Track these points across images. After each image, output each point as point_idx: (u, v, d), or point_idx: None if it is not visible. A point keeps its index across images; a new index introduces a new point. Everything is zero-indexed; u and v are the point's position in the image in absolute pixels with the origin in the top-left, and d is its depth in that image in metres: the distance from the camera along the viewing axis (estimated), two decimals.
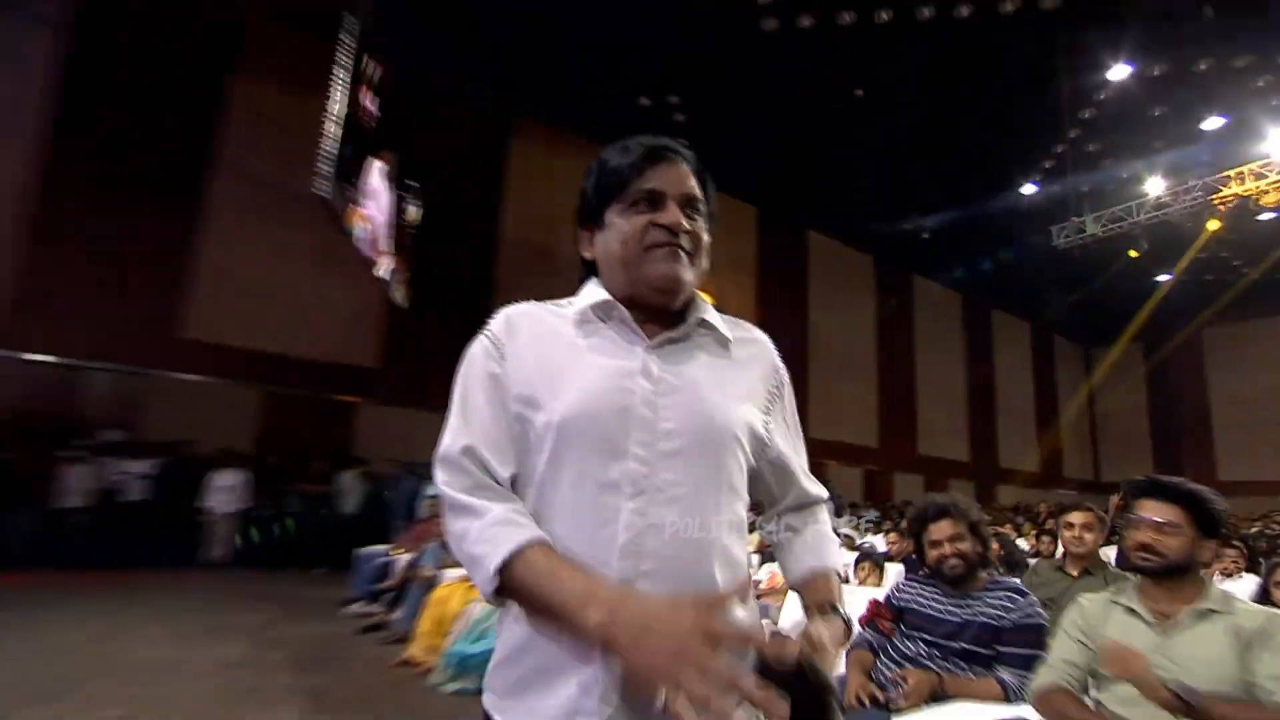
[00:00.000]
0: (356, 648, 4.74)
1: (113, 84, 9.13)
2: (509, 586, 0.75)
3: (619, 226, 0.88)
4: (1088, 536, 2.64)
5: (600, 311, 0.89)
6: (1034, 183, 15.14)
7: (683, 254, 0.87)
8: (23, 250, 8.55)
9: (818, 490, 1.02)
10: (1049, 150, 14.06)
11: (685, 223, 0.88)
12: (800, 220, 17.16)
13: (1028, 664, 1.76)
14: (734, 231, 15.73)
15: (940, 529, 2.05)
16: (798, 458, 1.00)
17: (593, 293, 0.91)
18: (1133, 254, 13.98)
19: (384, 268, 8.89)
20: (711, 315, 0.93)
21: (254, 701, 3.45)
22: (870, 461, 18.13)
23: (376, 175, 8.46)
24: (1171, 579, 1.54)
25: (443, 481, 0.82)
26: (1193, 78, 11.86)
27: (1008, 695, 1.76)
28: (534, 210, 12.57)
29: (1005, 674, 1.79)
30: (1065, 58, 11.63)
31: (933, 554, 2.04)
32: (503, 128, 12.83)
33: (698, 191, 0.91)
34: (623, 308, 0.88)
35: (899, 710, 1.74)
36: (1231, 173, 12.40)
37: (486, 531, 0.76)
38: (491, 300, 8.44)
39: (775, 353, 1.00)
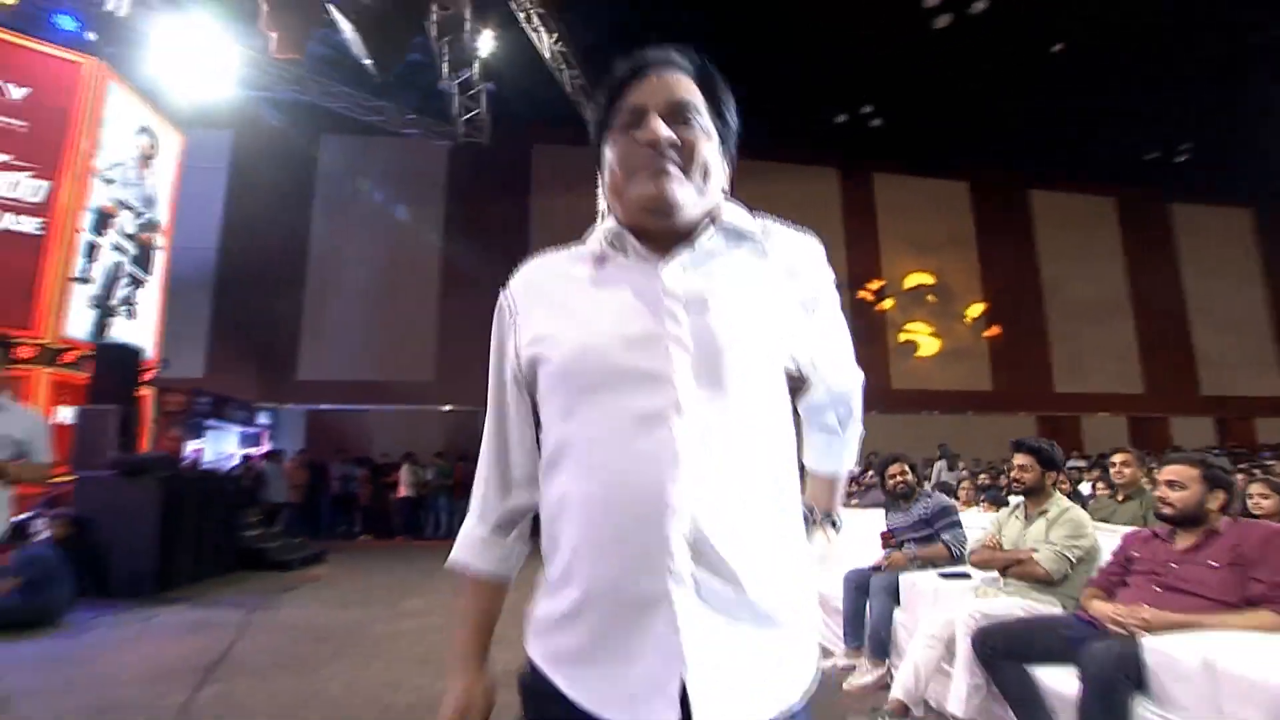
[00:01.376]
0: None
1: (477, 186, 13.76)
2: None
3: (607, 154, 0.81)
4: (1126, 471, 4.25)
5: (611, 240, 0.81)
6: None
7: (671, 167, 0.77)
8: (434, 333, 13.56)
9: (844, 386, 0.93)
10: None
11: (668, 134, 0.77)
12: (1018, 181, 17.22)
13: (952, 530, 3.59)
14: (948, 210, 16.55)
15: (893, 469, 3.92)
16: (833, 355, 0.90)
17: (602, 226, 0.84)
18: None
19: None
20: (733, 218, 0.83)
21: None
22: (1137, 408, 17.38)
23: None
24: (1032, 496, 2.98)
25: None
26: None
27: (950, 552, 3.45)
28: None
29: (945, 536, 3.60)
30: None
31: (889, 484, 3.97)
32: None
33: (690, 96, 0.80)
34: (630, 234, 0.80)
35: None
36: None
37: (462, 535, 0.90)
38: None
39: (818, 251, 0.88)
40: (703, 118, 0.81)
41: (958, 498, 6.21)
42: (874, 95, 14.48)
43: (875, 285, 15.95)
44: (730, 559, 0.69)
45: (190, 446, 10.85)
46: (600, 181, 0.84)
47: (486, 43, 9.29)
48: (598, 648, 0.71)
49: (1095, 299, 17.26)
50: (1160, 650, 1.93)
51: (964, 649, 2.38)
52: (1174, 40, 12.70)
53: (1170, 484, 2.26)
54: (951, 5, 12.18)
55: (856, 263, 15.73)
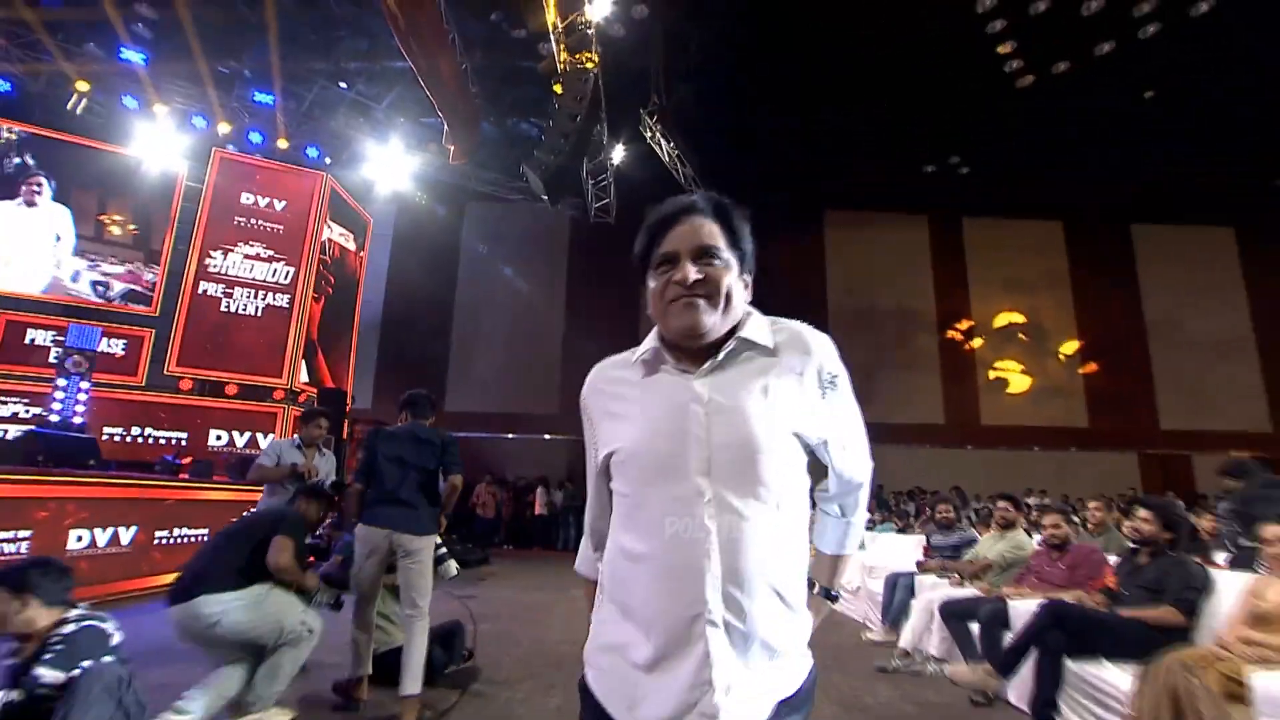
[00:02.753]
0: None
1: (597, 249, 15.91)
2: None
3: (650, 287, 1.05)
4: (1097, 515, 5.52)
5: (653, 356, 1.05)
6: None
7: (700, 301, 0.99)
8: (558, 371, 15.70)
9: (853, 474, 1.11)
10: None
11: (696, 273, 0.99)
12: (1117, 217, 17.36)
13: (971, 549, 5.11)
14: (1041, 251, 16.97)
15: (941, 507, 5.63)
16: (847, 447, 1.08)
17: (648, 341, 1.07)
18: None
19: None
20: (753, 331, 1.02)
21: None
22: (1264, 447, 16.73)
23: None
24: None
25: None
26: None
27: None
28: (854, 276, 16.33)
29: (966, 555, 5.16)
30: None
31: (937, 516, 5.49)
32: (818, 216, 16.94)
33: (713, 240, 1.02)
34: (666, 351, 1.04)
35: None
36: None
37: (581, 553, 1.24)
38: None
39: (825, 347, 1.04)
40: (723, 253, 1.02)
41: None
42: (960, 146, 15.38)
43: (965, 325, 16.63)
44: (749, 610, 0.90)
45: None
46: (645, 303, 1.08)
47: (618, 153, 11.45)
48: (650, 669, 0.91)
49: (1209, 335, 16.92)
50: (1016, 608, 3.60)
51: (938, 616, 4.08)
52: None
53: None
54: (1034, 67, 13.02)
55: (945, 305, 16.54)
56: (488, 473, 14.44)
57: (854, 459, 1.10)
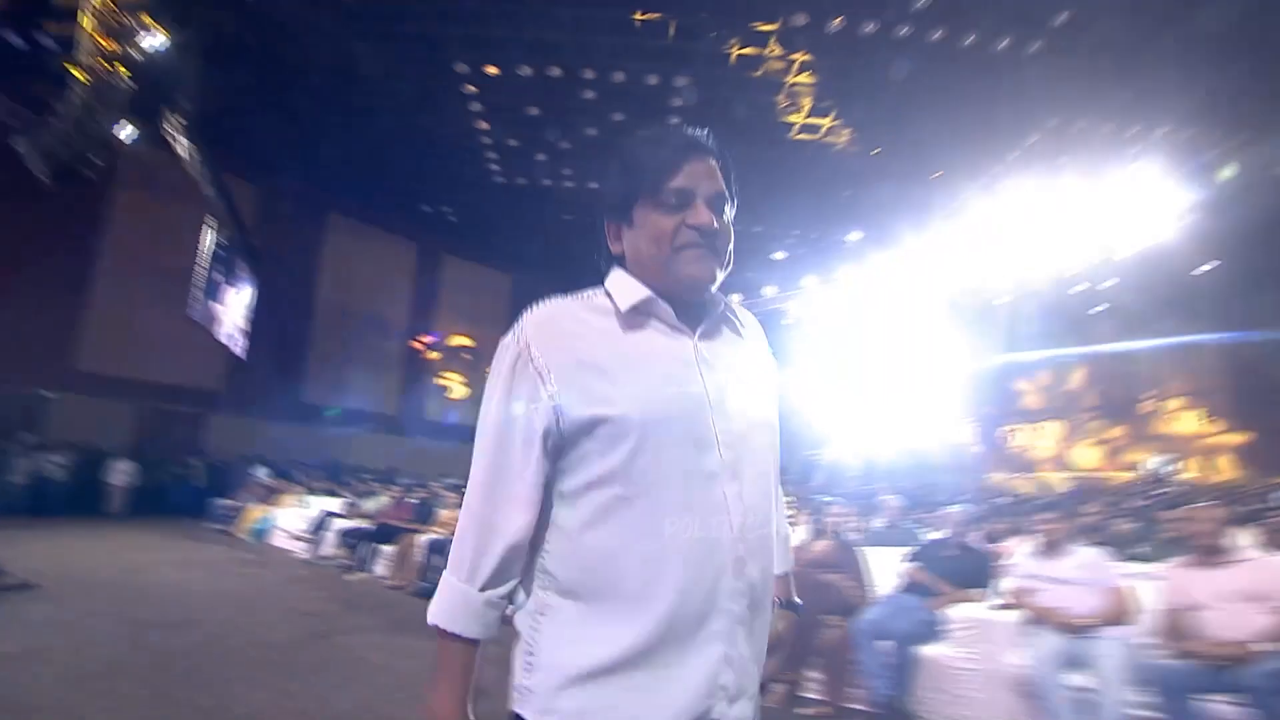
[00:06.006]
0: None
1: None
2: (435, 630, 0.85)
3: (651, 226, 0.89)
4: None
5: (644, 305, 0.88)
6: None
7: (714, 253, 0.89)
8: None
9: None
10: None
11: (715, 221, 0.88)
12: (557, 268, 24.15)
13: None
14: (495, 295, 22.36)
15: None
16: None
17: (630, 287, 0.90)
18: None
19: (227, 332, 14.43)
20: (731, 304, 0.96)
21: None
22: None
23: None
24: None
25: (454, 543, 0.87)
26: None
27: None
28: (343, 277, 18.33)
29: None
30: None
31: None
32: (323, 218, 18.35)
33: (724, 187, 0.91)
34: (665, 305, 0.89)
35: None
36: None
37: (461, 597, 0.84)
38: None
39: (761, 331, 1.03)
40: (729, 206, 0.92)
41: None
42: (450, 199, 19.37)
43: (427, 339, 20.70)
44: (759, 600, 0.86)
45: None
46: (608, 235, 0.95)
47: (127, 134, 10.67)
48: (659, 678, 0.79)
49: None
50: None
51: None
52: None
53: None
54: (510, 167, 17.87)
55: (415, 320, 20.32)
56: None
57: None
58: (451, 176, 17.89)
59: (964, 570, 3.89)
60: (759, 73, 13.64)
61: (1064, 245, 13.13)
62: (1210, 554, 3.00)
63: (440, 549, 6.37)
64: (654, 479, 0.82)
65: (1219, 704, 2.64)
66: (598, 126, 15.22)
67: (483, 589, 0.84)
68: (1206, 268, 13.91)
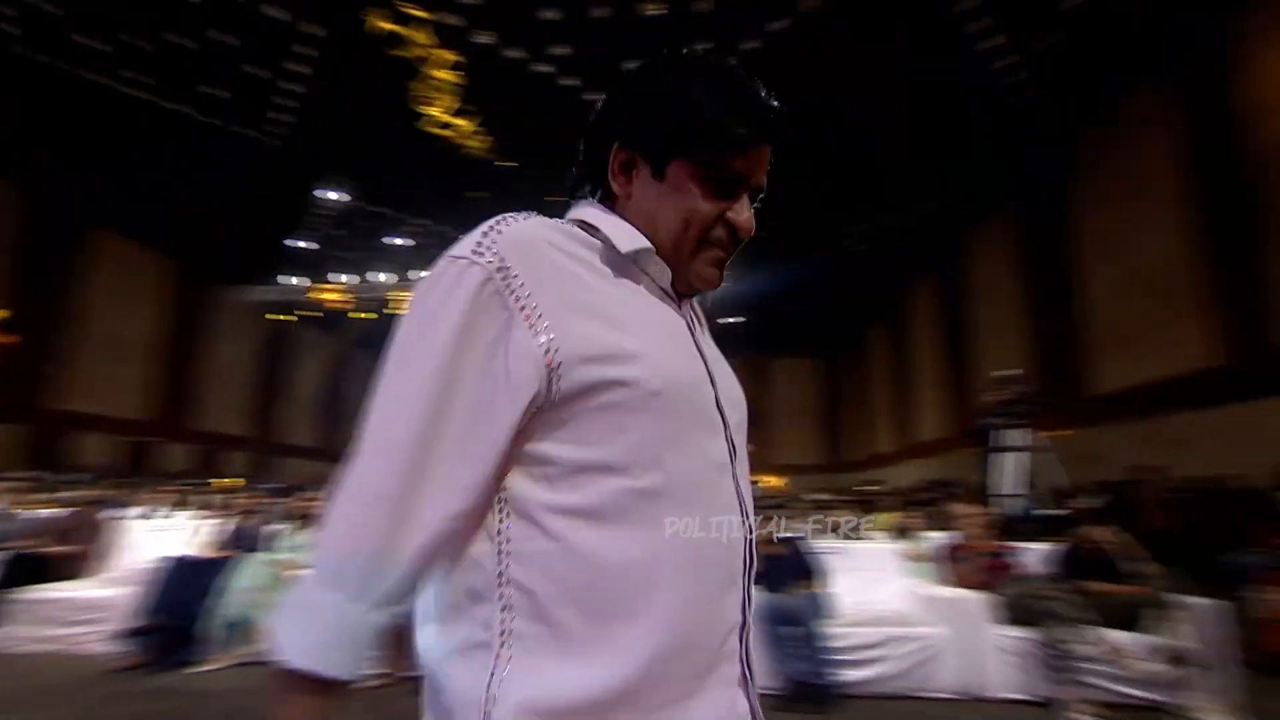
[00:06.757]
0: None
1: None
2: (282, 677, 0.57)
3: (686, 198, 0.71)
4: None
5: (642, 257, 0.71)
6: None
7: (728, 260, 0.75)
8: None
9: None
10: None
11: (753, 228, 0.73)
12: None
13: None
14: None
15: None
16: None
17: (628, 231, 0.71)
18: None
19: None
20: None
21: None
22: None
23: None
24: None
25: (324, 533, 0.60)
26: None
27: None
28: None
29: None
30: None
31: None
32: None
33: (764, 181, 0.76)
34: (665, 266, 0.72)
35: None
36: None
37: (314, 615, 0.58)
38: None
39: None
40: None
41: None
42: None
43: None
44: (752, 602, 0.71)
45: None
46: (613, 163, 0.73)
47: None
48: (674, 704, 0.61)
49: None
50: None
51: None
52: None
53: None
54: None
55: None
56: None
57: None
58: None
59: None
60: (398, 51, 13.16)
61: None
62: None
63: None
64: (674, 468, 0.64)
65: None
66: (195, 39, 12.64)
67: (378, 606, 0.59)
68: None
